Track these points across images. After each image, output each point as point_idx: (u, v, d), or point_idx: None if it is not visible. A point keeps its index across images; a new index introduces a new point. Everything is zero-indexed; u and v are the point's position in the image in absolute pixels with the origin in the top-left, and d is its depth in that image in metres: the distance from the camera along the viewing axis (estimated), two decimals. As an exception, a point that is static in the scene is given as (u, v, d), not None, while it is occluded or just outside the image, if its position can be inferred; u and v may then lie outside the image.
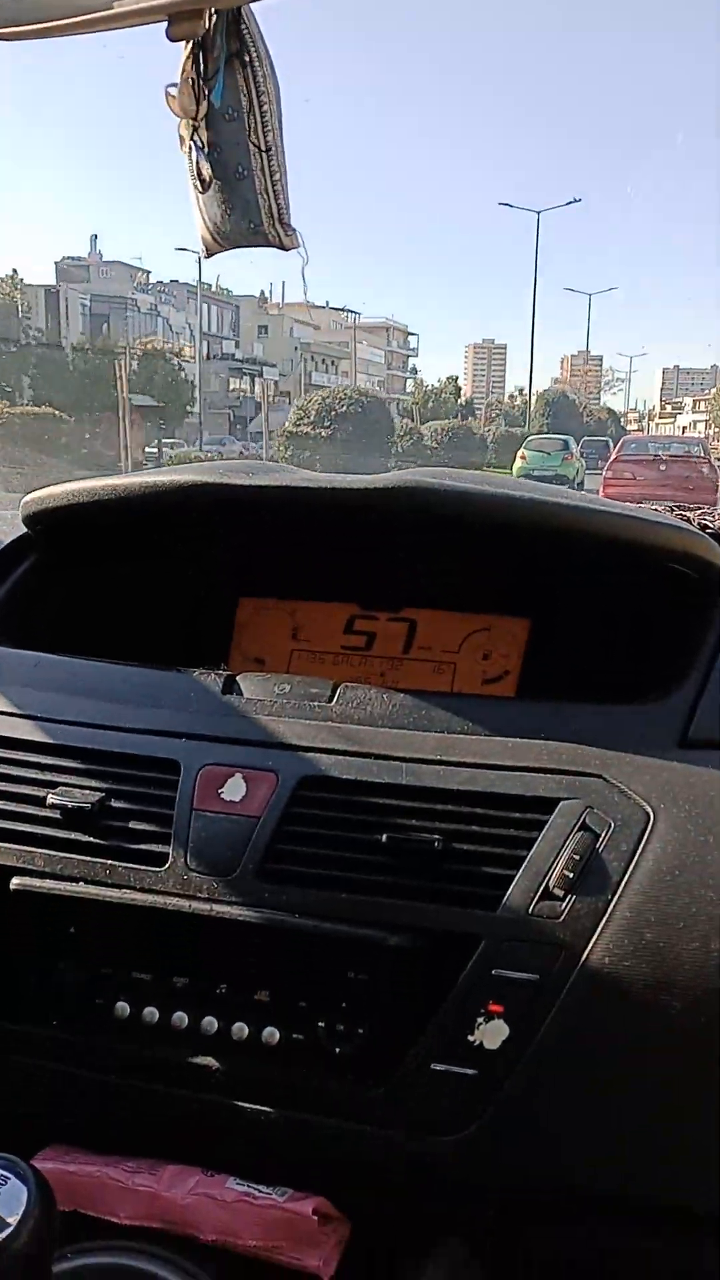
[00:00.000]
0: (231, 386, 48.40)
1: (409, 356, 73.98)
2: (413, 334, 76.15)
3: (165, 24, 0.63)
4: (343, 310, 66.91)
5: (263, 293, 60.54)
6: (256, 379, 49.37)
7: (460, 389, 52.16)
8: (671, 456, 15.48)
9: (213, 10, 0.65)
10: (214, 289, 52.99)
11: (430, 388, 53.32)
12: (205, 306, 49.63)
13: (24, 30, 0.67)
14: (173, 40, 0.63)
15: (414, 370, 70.31)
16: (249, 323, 56.32)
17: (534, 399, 45.61)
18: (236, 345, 54.03)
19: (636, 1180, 0.73)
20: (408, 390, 55.56)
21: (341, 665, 1.14)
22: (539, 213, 40.46)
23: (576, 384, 69.20)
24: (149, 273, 51.78)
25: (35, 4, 0.66)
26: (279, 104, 0.68)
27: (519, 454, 23.38)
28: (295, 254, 0.74)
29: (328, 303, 64.38)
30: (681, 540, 0.91)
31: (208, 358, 46.21)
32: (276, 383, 50.47)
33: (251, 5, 0.64)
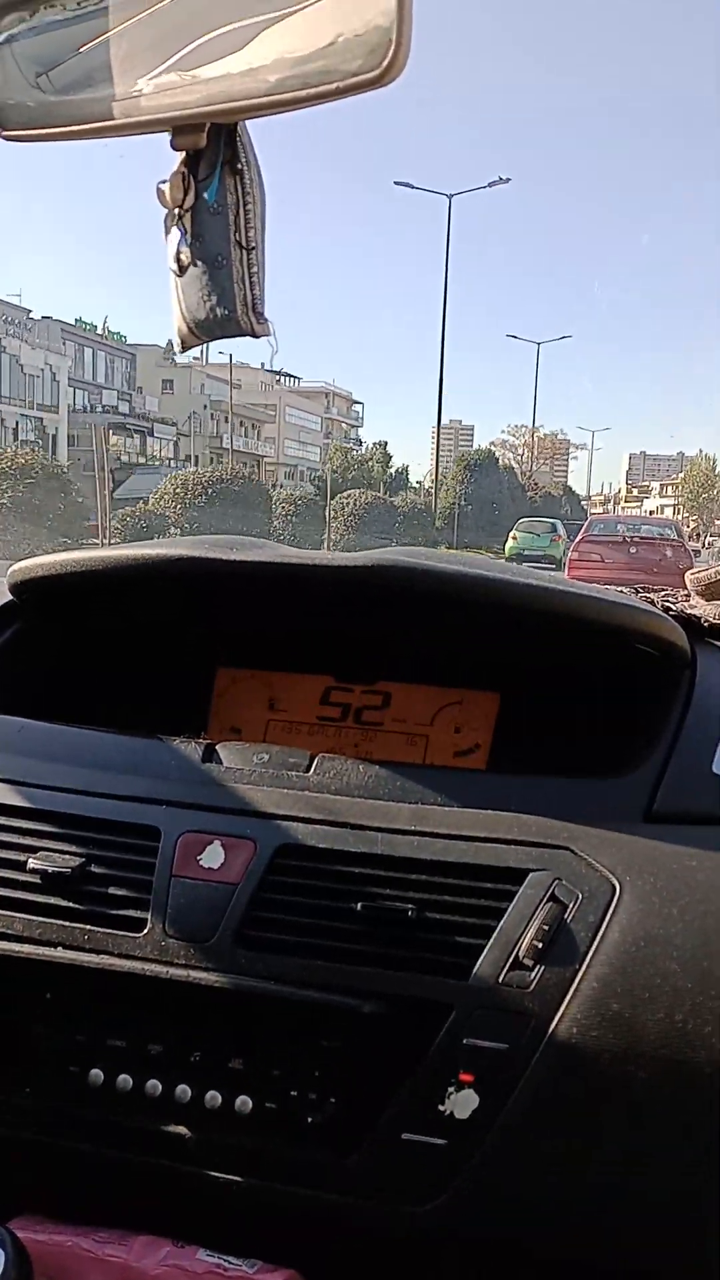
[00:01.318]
0: (113, 443, 40.15)
1: (354, 426, 68.70)
2: (358, 402, 72.14)
3: (169, 134, 0.68)
4: (278, 373, 61.89)
5: (171, 343, 52.79)
6: (149, 437, 44.96)
7: (389, 456, 44.41)
8: (641, 538, 14.88)
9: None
10: (100, 332, 47.07)
11: (353, 455, 45.14)
12: (87, 352, 44.91)
13: (36, 134, 0.72)
14: (176, 150, 0.68)
15: (358, 441, 62.77)
16: (150, 375, 49.59)
17: (440, 458, 40.58)
18: (129, 399, 47.41)
19: (608, 1251, 0.74)
20: (353, 453, 47.31)
21: (317, 736, 1.16)
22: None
23: (524, 453, 59.56)
24: (29, 311, 41.39)
25: (46, 113, 0.70)
26: (264, 208, 0.72)
27: (510, 534, 24.37)
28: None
29: (263, 364, 59.79)
30: (645, 621, 0.95)
31: (90, 409, 41.85)
32: (176, 442, 46.78)
33: (245, 121, 0.69)
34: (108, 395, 46.17)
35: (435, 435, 38.34)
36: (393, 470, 46.73)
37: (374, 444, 48.30)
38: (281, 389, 61.97)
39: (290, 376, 65.86)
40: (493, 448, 56.61)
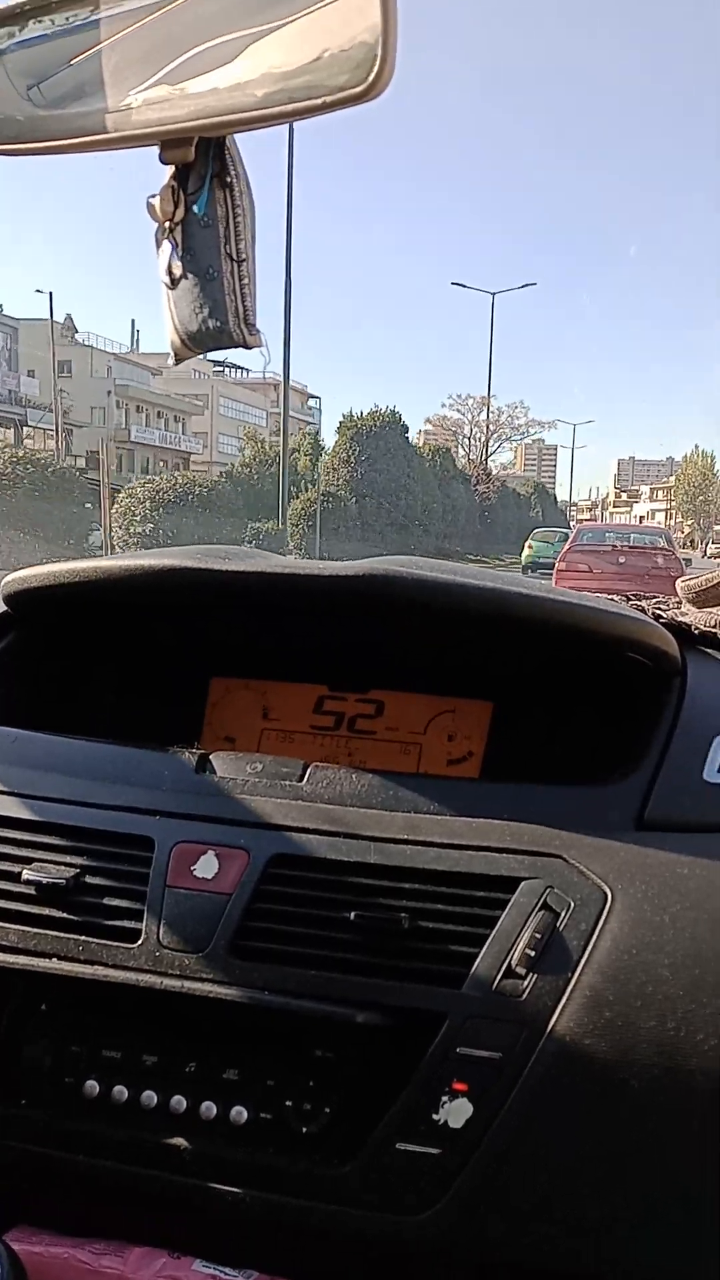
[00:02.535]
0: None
1: (307, 423, 53.62)
2: (314, 396, 62.11)
3: (158, 148, 0.69)
4: (221, 364, 52.30)
5: (69, 318, 43.52)
6: (24, 426, 37.04)
7: (321, 448, 32.26)
8: (630, 547, 14.34)
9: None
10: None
11: (272, 448, 30.69)
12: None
13: (25, 148, 0.72)
14: (165, 164, 0.69)
15: (315, 434, 45.18)
16: (35, 353, 38.08)
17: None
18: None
19: (603, 1258, 0.74)
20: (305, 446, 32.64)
21: (310, 745, 1.16)
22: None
23: (473, 433, 45.87)
24: None
25: (35, 126, 0.71)
26: (253, 220, 0.73)
27: (526, 543, 24.52)
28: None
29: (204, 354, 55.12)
30: (636, 629, 0.95)
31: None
32: (61, 433, 35.59)
33: (235, 135, 0.70)
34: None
35: (282, 407, 24.78)
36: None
37: (302, 433, 37.43)
38: (216, 379, 54.17)
39: (236, 368, 56.94)
40: (428, 426, 48.12)
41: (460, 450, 43.63)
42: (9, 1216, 0.83)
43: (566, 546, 15.31)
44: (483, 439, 44.22)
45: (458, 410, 46.76)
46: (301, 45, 0.59)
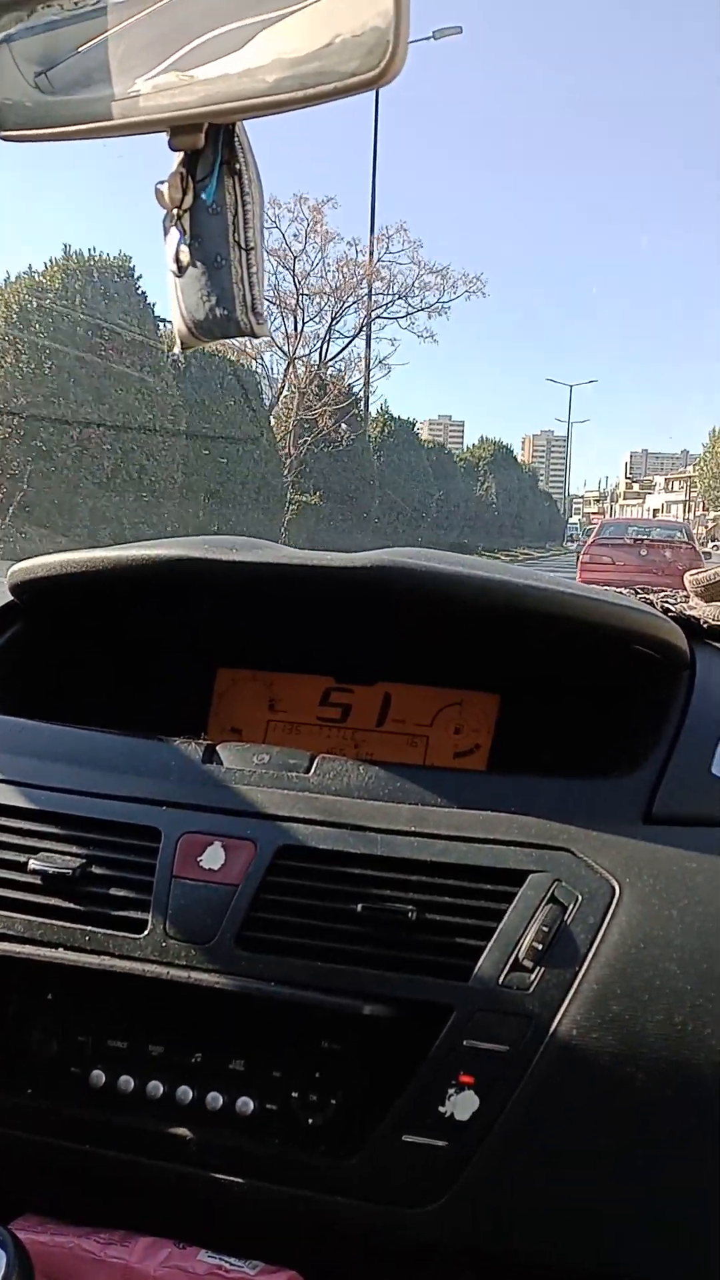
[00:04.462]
0: None
1: None
2: None
3: (167, 134, 0.68)
4: None
5: None
6: None
7: None
8: (651, 541, 15.02)
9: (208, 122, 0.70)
10: None
11: None
12: None
13: (34, 134, 0.72)
14: (174, 150, 0.68)
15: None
16: None
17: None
18: None
19: (608, 1253, 0.74)
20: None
21: (317, 736, 1.16)
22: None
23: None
24: None
25: (45, 113, 0.70)
26: (262, 208, 0.72)
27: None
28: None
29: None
30: (644, 623, 0.95)
31: None
32: None
33: (244, 121, 0.69)
34: None
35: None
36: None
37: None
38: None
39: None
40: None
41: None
42: (15, 1206, 0.83)
43: (590, 540, 15.83)
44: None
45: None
46: (313, 30, 0.58)
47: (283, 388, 20.86)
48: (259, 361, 20.34)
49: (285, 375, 20.83)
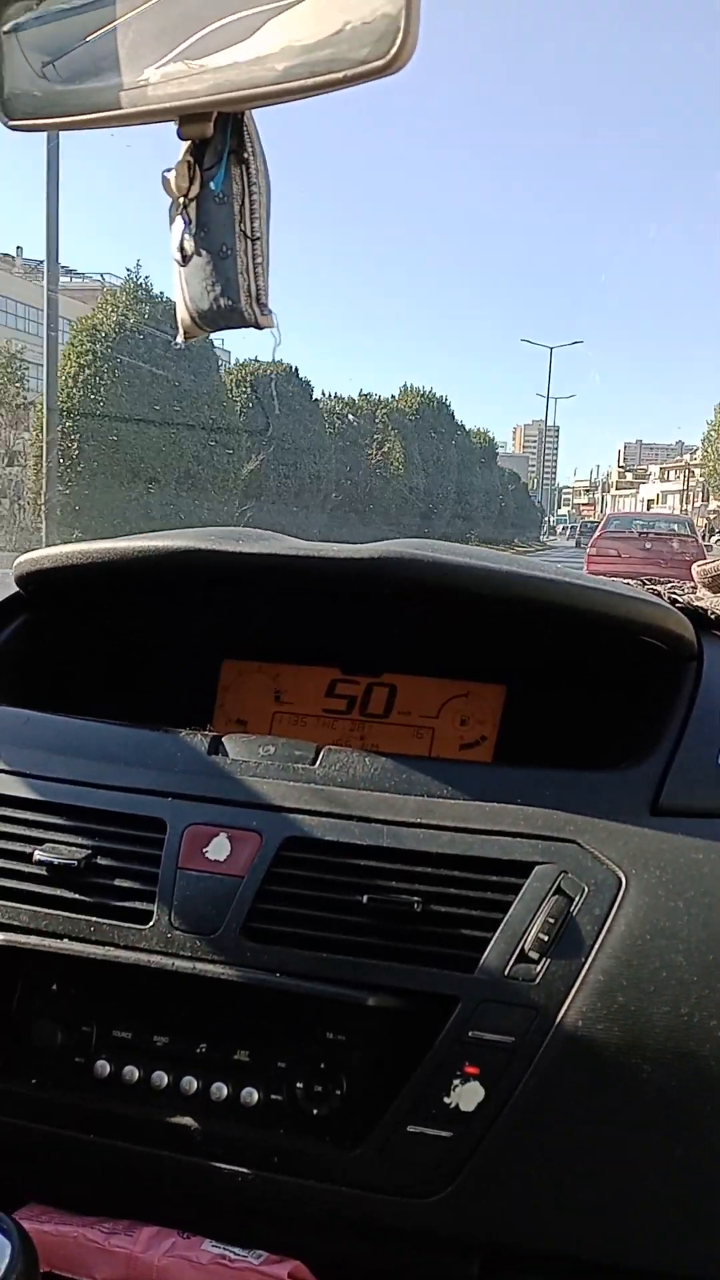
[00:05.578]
0: None
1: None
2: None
3: (175, 124, 0.68)
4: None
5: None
6: None
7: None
8: (656, 534, 15.57)
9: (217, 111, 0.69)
10: None
11: None
12: None
13: (42, 124, 0.71)
14: (183, 139, 0.68)
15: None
16: None
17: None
18: None
19: (612, 1244, 0.74)
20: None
21: (322, 728, 1.16)
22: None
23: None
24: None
25: (52, 102, 0.70)
26: (269, 198, 0.72)
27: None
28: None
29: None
30: (651, 614, 0.94)
31: None
32: None
33: (252, 111, 0.69)
34: None
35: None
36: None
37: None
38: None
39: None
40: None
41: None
42: (19, 1195, 0.83)
43: (597, 533, 16.27)
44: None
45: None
46: (323, 18, 0.58)
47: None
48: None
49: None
